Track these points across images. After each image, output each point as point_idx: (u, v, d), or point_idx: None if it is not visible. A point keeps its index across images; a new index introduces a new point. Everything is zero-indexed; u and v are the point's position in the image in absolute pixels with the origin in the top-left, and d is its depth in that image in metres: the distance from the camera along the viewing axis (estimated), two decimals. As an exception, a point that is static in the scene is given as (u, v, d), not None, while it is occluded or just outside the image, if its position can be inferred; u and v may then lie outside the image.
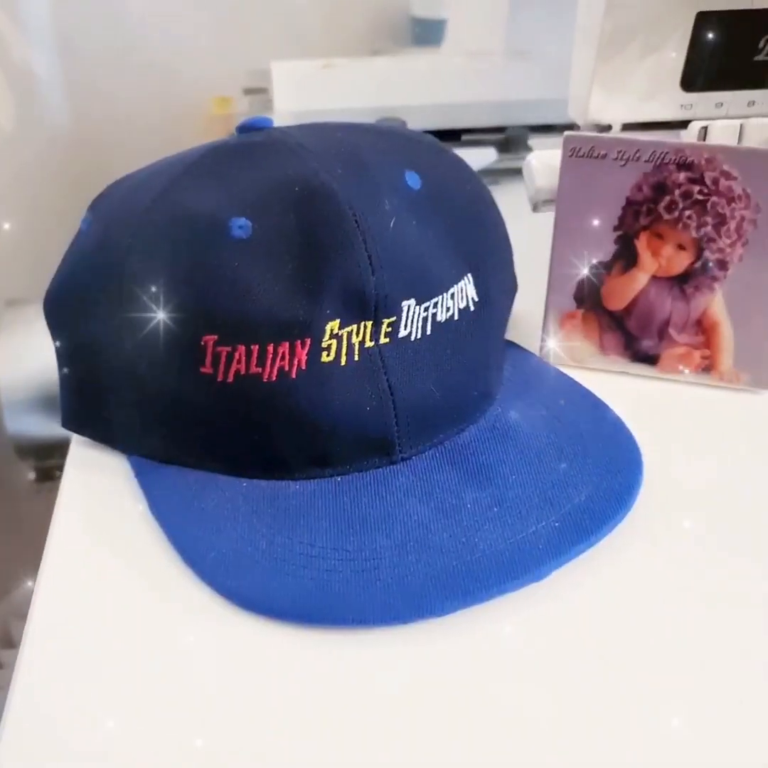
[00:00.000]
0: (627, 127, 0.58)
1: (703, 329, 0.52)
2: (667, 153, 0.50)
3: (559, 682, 0.36)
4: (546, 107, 0.76)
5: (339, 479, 0.44)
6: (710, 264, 0.50)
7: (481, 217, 0.49)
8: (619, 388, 0.53)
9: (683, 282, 0.51)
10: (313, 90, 0.80)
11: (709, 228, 0.50)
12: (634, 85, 0.56)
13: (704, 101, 0.57)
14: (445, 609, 0.38)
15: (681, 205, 0.50)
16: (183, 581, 0.40)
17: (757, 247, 0.50)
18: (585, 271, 0.52)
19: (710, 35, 0.54)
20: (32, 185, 1.15)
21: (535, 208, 0.55)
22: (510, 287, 0.52)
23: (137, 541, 0.42)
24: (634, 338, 0.53)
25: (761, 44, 0.55)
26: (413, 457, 0.45)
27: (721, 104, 0.57)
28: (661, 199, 0.50)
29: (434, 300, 0.45)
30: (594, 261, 0.52)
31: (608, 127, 0.58)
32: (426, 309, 0.44)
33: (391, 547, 0.40)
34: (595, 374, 0.54)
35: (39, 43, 1.32)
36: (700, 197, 0.50)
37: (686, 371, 0.52)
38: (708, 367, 0.52)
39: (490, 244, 0.49)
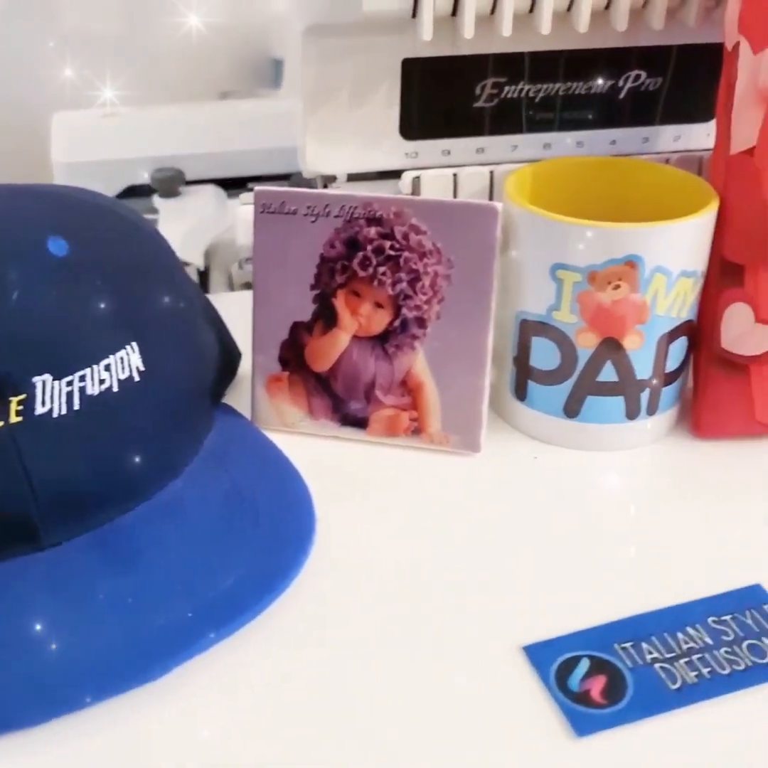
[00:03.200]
0: (353, 177, 0.56)
1: (409, 390, 0.49)
2: (356, 207, 0.47)
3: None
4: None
5: (-23, 570, 0.41)
6: (409, 322, 0.48)
7: (151, 281, 0.46)
8: (328, 453, 0.50)
9: (384, 341, 0.49)
10: (90, 141, 0.77)
11: (404, 284, 0.48)
12: (349, 134, 0.54)
13: (430, 149, 0.55)
14: (29, 721, 0.34)
15: (374, 262, 0.48)
16: None
17: (453, 303, 0.47)
18: (286, 333, 0.50)
19: (422, 82, 0.52)
20: None
21: (240, 265, 0.52)
22: (195, 353, 0.49)
23: None
24: (342, 401, 0.50)
25: (478, 90, 0.53)
26: (64, 543, 0.42)
27: (449, 152, 0.55)
28: (355, 255, 0.48)
29: (80, 373, 0.41)
30: (295, 321, 0.49)
31: (333, 178, 0.56)
32: (69, 383, 0.41)
33: None
34: (306, 439, 0.51)
35: None
36: (392, 253, 0.47)
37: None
38: (417, 429, 0.49)
39: (161, 308, 0.46)
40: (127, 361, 0.44)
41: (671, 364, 0.48)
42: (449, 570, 0.43)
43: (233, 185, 0.77)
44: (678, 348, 0.48)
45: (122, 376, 0.43)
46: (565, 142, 0.56)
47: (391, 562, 0.43)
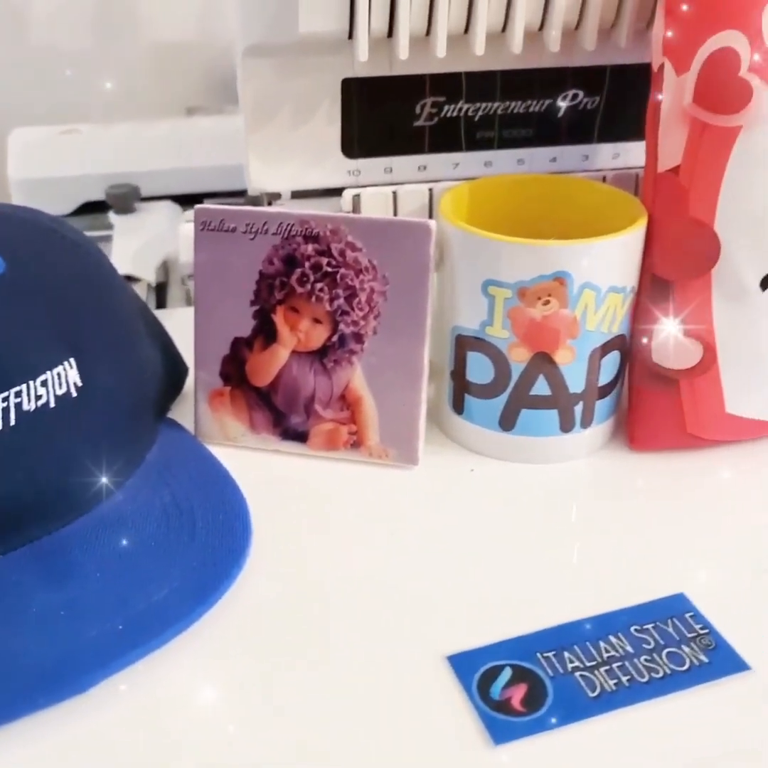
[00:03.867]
0: (297, 194, 0.57)
1: (348, 404, 0.50)
2: (293, 225, 0.48)
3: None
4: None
5: None
6: (346, 337, 0.49)
7: (90, 298, 0.47)
8: (270, 467, 0.51)
9: (323, 356, 0.49)
10: (47, 157, 0.78)
11: (341, 301, 0.48)
12: (292, 152, 0.54)
13: (373, 167, 0.56)
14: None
15: (312, 278, 0.48)
16: None
17: (389, 319, 0.48)
18: (228, 348, 0.50)
19: (362, 101, 0.53)
20: None
21: (184, 281, 0.53)
22: (137, 368, 0.49)
23: None
24: (283, 415, 0.51)
25: (418, 110, 0.54)
26: (-1, 557, 0.42)
27: (391, 170, 0.56)
28: (293, 272, 0.48)
29: (15, 389, 0.42)
30: (236, 337, 0.50)
31: (278, 196, 0.57)
32: (5, 399, 0.42)
33: None
34: (248, 453, 0.51)
35: None
36: (329, 269, 0.48)
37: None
38: (356, 443, 0.50)
39: (100, 325, 0.47)
40: (65, 377, 0.44)
41: (604, 378, 0.49)
42: (381, 581, 0.43)
43: (191, 201, 0.78)
44: (610, 362, 0.49)
45: (59, 392, 0.44)
46: (505, 159, 0.57)
47: (326, 573, 0.44)
